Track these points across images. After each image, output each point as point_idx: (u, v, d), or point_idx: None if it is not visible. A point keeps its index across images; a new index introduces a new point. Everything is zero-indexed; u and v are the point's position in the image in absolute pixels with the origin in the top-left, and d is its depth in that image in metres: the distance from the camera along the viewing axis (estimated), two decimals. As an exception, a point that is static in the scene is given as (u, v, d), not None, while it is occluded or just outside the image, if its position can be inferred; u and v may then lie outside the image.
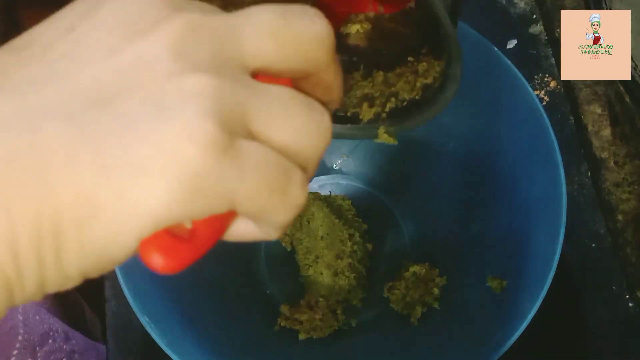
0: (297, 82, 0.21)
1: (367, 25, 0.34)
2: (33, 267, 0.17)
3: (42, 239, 0.16)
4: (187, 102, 0.17)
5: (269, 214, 0.19)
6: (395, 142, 0.35)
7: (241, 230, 0.21)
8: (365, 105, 0.35)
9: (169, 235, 0.18)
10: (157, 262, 0.18)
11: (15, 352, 0.46)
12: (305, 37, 0.19)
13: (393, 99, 0.35)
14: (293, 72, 0.20)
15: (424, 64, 0.34)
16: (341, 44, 0.35)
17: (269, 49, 0.19)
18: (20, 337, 0.46)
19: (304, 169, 0.19)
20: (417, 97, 0.35)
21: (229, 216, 0.20)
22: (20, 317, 0.47)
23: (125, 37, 0.18)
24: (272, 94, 0.19)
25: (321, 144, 0.20)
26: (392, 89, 0.35)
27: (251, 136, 0.18)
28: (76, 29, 0.18)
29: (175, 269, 0.19)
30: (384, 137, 0.35)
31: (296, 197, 0.19)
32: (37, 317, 0.50)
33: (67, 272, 0.17)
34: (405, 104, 0.35)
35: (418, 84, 0.34)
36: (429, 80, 0.34)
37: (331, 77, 0.21)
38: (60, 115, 0.16)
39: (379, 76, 0.35)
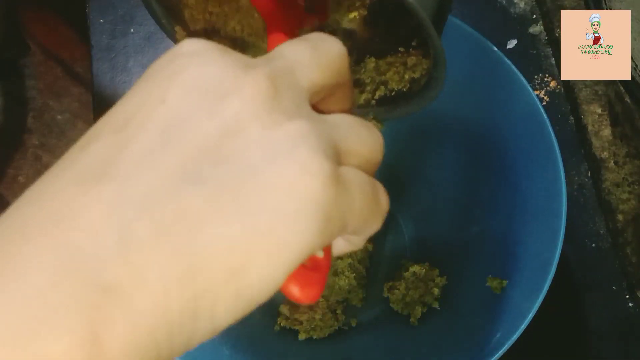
0: (323, 103, 0.23)
1: (363, 12, 0.35)
2: (186, 326, 0.18)
3: (197, 296, 0.17)
4: (297, 146, 0.19)
5: (369, 225, 0.22)
6: (382, 127, 0.37)
7: (335, 249, 0.24)
8: (356, 91, 0.37)
9: (302, 268, 0.21)
10: (297, 293, 0.21)
11: None
12: (333, 55, 0.22)
13: (382, 88, 0.37)
14: (331, 88, 0.23)
15: (413, 58, 0.35)
16: (338, 29, 0.36)
17: (316, 76, 0.21)
18: None
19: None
20: (404, 89, 0.36)
21: None
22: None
23: (216, 98, 0.19)
24: (339, 122, 0.21)
25: (381, 153, 0.23)
26: (382, 77, 0.37)
27: (341, 162, 0.20)
28: (167, 100, 0.19)
29: (314, 298, 0.21)
30: (372, 122, 0.37)
31: (385, 204, 0.22)
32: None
33: (219, 325, 0.18)
34: (393, 93, 0.36)
35: (406, 76, 0.35)
36: (417, 75, 0.35)
37: (350, 85, 0.24)
38: (192, 179, 0.18)
39: (371, 62, 0.36)
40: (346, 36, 0.37)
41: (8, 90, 1.10)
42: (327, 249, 0.22)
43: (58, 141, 1.11)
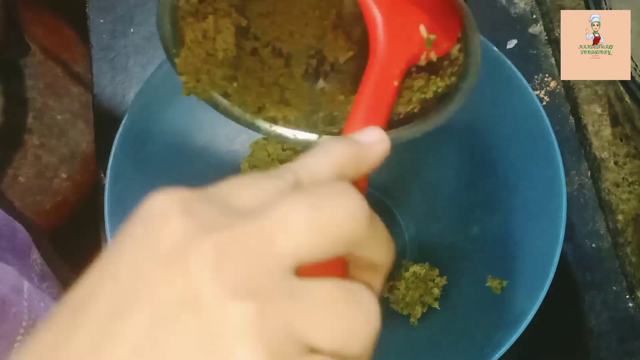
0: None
1: (355, 49, 0.35)
2: None
3: None
4: (235, 340, 0.16)
5: None
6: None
7: None
8: None
9: None
10: None
11: (19, 337, 0.45)
12: (339, 221, 0.18)
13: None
14: (332, 255, 0.19)
15: (420, 80, 0.35)
16: (335, 64, 0.36)
17: (304, 244, 0.18)
18: (24, 323, 0.46)
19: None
20: (415, 111, 0.36)
21: None
22: (25, 304, 0.47)
23: (159, 273, 0.17)
24: (314, 297, 0.18)
25: (371, 338, 0.18)
26: None
27: (304, 346, 0.17)
28: (120, 276, 0.18)
29: None
30: None
31: None
32: (42, 303, 0.49)
33: None
34: (401, 116, 0.36)
35: (414, 99, 0.35)
36: (428, 95, 0.35)
37: (374, 248, 0.21)
38: None
39: None
40: (340, 71, 0.36)
41: (8, 90, 1.10)
42: None
43: (58, 141, 1.11)
